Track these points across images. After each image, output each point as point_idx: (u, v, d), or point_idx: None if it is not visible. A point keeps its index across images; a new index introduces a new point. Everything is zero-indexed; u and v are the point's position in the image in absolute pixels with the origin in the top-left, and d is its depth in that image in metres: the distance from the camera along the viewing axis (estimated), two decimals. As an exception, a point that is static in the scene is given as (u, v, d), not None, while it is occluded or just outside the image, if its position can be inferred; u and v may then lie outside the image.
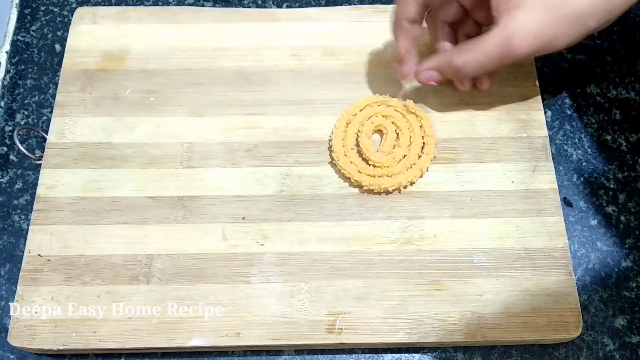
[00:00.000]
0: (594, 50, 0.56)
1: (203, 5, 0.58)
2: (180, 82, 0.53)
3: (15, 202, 0.50)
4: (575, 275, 0.46)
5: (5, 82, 0.55)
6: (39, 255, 0.46)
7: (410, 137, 0.50)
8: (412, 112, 0.51)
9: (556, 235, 0.47)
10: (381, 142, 0.50)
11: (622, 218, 0.50)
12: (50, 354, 0.44)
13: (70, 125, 0.51)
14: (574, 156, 0.52)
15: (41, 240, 0.47)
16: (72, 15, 0.56)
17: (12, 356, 0.45)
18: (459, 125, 0.51)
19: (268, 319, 0.44)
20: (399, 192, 0.49)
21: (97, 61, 0.53)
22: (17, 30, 0.57)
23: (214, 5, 0.58)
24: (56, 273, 0.45)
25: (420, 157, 0.49)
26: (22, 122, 0.53)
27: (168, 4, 0.59)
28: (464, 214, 0.48)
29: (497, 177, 0.49)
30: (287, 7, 0.58)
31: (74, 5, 0.58)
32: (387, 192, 0.48)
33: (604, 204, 0.50)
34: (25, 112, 0.54)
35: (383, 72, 0.53)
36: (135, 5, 0.58)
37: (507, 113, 0.52)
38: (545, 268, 0.46)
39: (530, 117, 0.51)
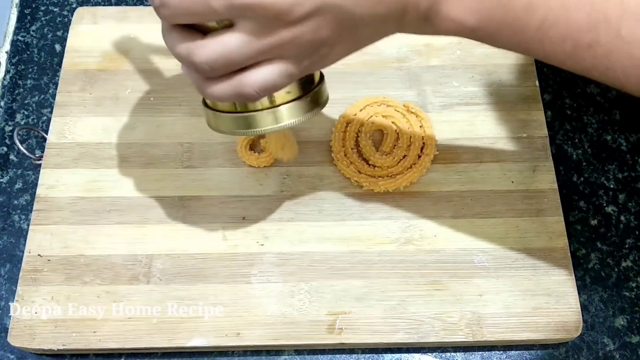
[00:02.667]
0: (594, 50, 0.56)
1: (203, 5, 0.58)
2: (180, 82, 0.53)
3: (15, 202, 0.50)
4: (575, 275, 0.46)
5: (5, 82, 0.55)
6: (39, 255, 0.46)
7: (410, 137, 0.50)
8: (412, 112, 0.51)
9: (556, 235, 0.47)
10: (381, 142, 0.50)
11: (622, 218, 0.49)
12: (50, 354, 0.44)
13: (70, 125, 0.51)
14: (574, 156, 0.52)
15: (41, 240, 0.47)
16: (72, 15, 0.56)
17: (12, 356, 0.45)
18: (459, 125, 0.51)
19: (268, 319, 0.44)
20: (399, 192, 0.49)
21: (97, 61, 0.53)
22: (17, 30, 0.57)
23: (214, 5, 0.58)
24: (56, 273, 0.45)
25: (420, 157, 0.49)
26: (22, 122, 0.53)
27: (168, 4, 0.58)
28: (464, 214, 0.48)
29: (497, 177, 0.49)
30: (287, 7, 0.58)
31: (74, 5, 0.58)
32: (387, 192, 0.48)
33: (604, 204, 0.50)
34: (25, 112, 0.53)
35: (383, 72, 0.53)
36: (135, 5, 0.58)
37: (507, 113, 0.52)
38: (545, 268, 0.46)
39: (530, 117, 0.51)
